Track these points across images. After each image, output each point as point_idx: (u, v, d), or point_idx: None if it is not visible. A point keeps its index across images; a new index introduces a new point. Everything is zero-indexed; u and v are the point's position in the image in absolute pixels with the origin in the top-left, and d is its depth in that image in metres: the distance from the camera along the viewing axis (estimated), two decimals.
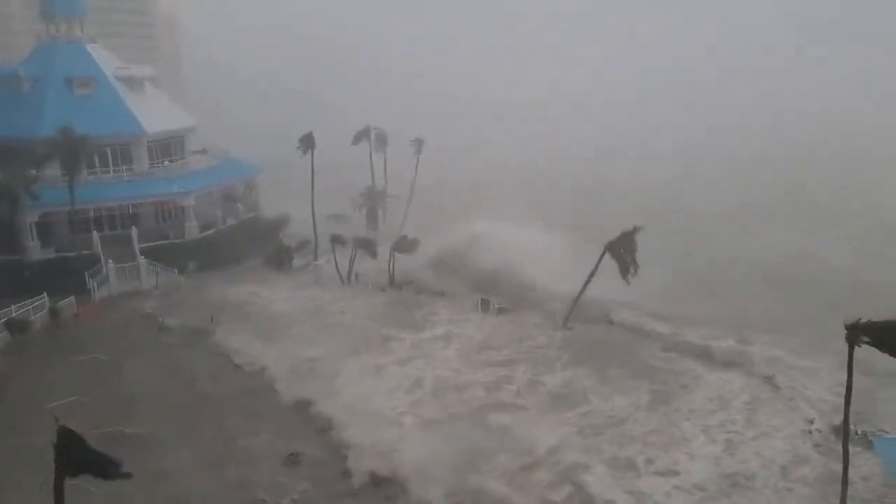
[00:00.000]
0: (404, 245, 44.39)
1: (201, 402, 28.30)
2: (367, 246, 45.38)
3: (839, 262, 44.00)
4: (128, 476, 14.64)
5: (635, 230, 34.48)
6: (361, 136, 57.50)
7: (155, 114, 50.59)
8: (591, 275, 35.84)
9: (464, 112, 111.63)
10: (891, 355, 17.61)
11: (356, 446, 24.31)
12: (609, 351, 33.09)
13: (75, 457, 14.25)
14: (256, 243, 48.96)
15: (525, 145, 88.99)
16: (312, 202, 49.17)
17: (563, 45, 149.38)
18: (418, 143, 58.61)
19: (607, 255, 35.14)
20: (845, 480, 20.70)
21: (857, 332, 18.44)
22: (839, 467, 19.35)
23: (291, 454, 24.10)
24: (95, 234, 43.87)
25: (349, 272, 45.18)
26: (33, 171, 42.42)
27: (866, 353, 17.67)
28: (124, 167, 47.71)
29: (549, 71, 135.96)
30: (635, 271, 34.57)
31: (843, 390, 18.32)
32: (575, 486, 22.34)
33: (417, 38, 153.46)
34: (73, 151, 41.78)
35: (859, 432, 23.81)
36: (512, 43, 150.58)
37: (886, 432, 24.48)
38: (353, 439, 24.78)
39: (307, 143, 49.04)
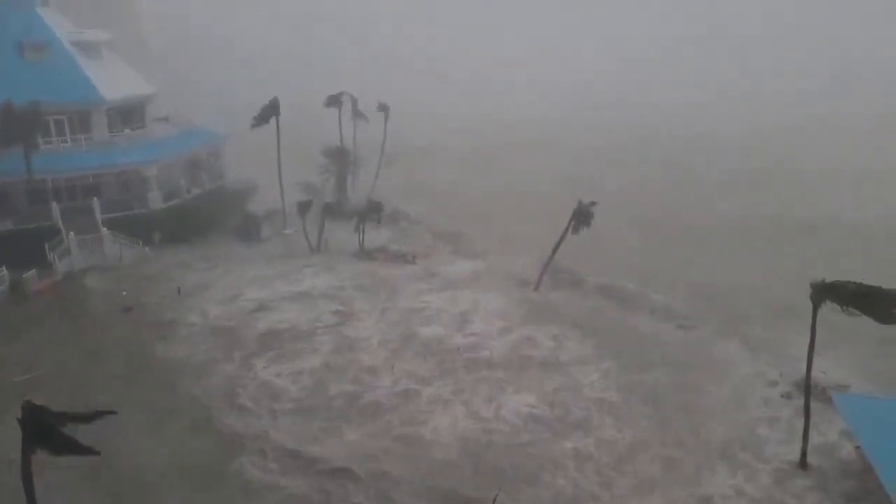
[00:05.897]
0: (373, 210, 43.71)
1: None
2: (334, 212, 44.89)
3: None
4: (96, 453, 14.63)
5: (593, 204, 36.10)
6: (333, 101, 56.56)
7: (113, 80, 48.83)
8: (561, 239, 36.46)
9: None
10: (860, 312, 18.40)
11: None
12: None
13: (42, 431, 14.11)
14: (223, 213, 48.04)
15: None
16: (279, 171, 48.29)
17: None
18: (384, 108, 58.07)
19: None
20: (806, 436, 21.43)
21: (821, 294, 18.97)
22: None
23: None
24: (55, 205, 42.60)
25: (319, 240, 44.79)
26: None
27: None
28: (82, 136, 46.29)
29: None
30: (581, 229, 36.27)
31: None
32: None
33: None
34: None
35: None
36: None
37: (847, 387, 24.79)
38: None
39: (268, 112, 47.69)
